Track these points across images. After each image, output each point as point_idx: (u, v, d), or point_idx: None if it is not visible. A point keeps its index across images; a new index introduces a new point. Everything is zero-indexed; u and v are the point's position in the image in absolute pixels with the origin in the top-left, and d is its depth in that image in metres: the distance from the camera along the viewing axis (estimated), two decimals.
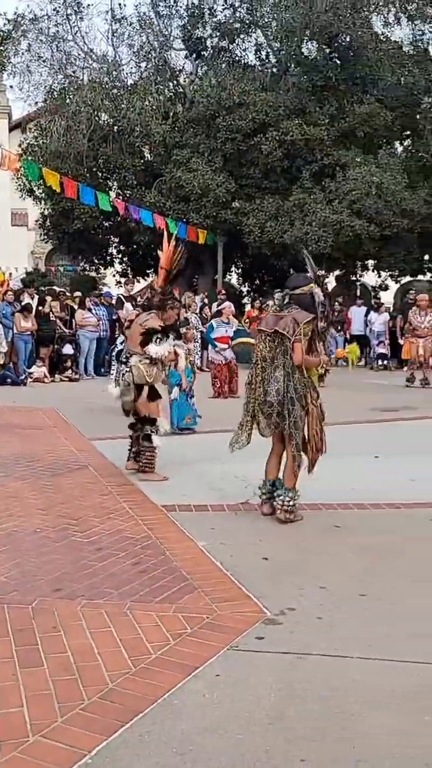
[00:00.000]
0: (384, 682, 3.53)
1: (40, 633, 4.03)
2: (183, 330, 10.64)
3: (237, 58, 25.37)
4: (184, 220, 22.22)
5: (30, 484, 7.23)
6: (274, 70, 24.75)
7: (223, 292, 22.14)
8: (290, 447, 6.06)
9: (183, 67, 26.12)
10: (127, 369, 7.53)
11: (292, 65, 24.07)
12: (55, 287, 22.30)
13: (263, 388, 6.10)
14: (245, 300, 28.08)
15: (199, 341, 18.18)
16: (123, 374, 7.56)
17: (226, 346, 14.07)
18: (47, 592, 4.59)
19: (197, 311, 19.28)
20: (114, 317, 17.82)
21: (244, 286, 29.76)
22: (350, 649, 3.86)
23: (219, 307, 16.26)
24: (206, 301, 20.52)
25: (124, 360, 7.69)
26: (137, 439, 7.56)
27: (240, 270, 29.26)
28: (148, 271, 30.25)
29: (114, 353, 12.83)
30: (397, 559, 5.31)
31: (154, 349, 7.32)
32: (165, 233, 8.15)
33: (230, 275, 30.01)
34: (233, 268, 29.40)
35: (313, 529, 5.95)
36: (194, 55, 25.45)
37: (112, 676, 3.58)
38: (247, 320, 20.74)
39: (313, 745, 3.03)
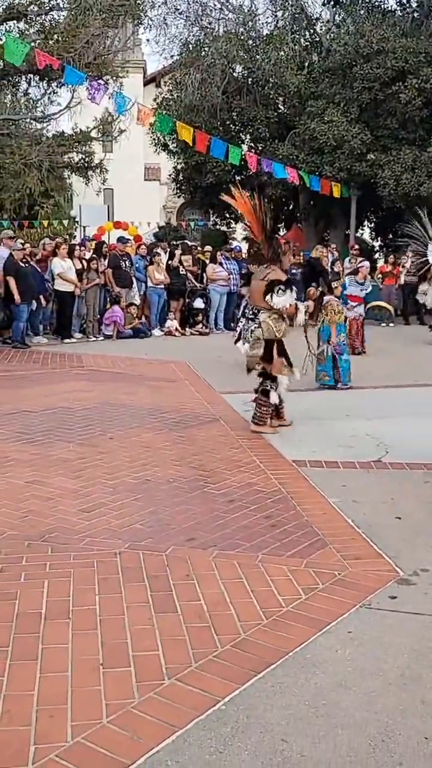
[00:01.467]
0: None
1: (174, 580, 4.12)
2: (334, 284, 10.52)
3: (376, 4, 24.42)
4: (317, 173, 21.78)
5: (163, 435, 7.37)
6: (416, 14, 23.65)
7: (356, 247, 21.67)
8: None
9: (320, 14, 25.39)
10: (256, 325, 7.49)
11: None
12: (186, 241, 22.44)
13: None
14: (377, 255, 27.43)
15: None
16: (251, 330, 7.53)
17: (356, 303, 13.86)
18: (181, 541, 4.68)
19: (328, 266, 18.97)
20: (244, 271, 17.78)
21: (377, 241, 29.05)
22: None
23: (357, 266, 15.97)
24: (337, 255, 20.14)
25: (250, 316, 7.64)
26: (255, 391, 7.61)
27: (372, 224, 28.54)
28: (279, 225, 29.99)
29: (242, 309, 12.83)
30: None
31: (277, 299, 7.29)
32: (233, 189, 8.00)
33: (362, 230, 29.34)
34: (365, 223, 28.71)
35: None
36: (332, 2, 24.66)
37: (245, 626, 3.62)
38: (380, 276, 20.30)
39: None
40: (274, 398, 7.51)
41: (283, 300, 7.31)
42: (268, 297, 7.32)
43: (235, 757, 2.72)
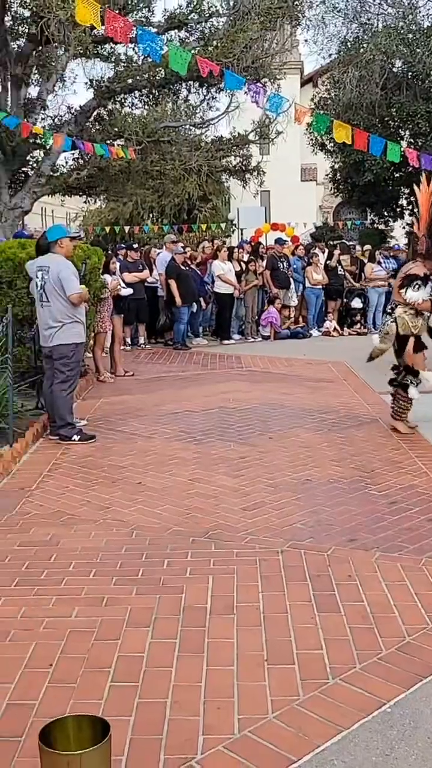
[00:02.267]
0: None
1: (337, 580, 4.12)
2: None
3: None
4: None
5: (322, 435, 7.35)
6: None
7: None
8: None
9: None
10: (392, 319, 7.37)
11: None
12: (344, 241, 22.23)
13: None
14: None
15: None
16: (385, 323, 7.48)
17: None
18: (342, 542, 4.66)
19: None
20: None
21: None
22: None
23: None
24: None
25: (389, 311, 7.56)
26: (396, 385, 7.47)
27: None
28: None
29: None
30: None
31: (411, 294, 7.13)
32: (423, 177, 7.77)
33: None
34: None
35: None
36: None
37: (409, 630, 3.57)
38: None
39: None
40: (413, 393, 7.35)
41: (417, 295, 7.15)
42: (402, 290, 7.19)
43: (403, 762, 2.69)
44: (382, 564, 4.31)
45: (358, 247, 20.19)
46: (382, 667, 3.27)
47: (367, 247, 19.34)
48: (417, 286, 7.17)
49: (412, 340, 7.34)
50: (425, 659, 3.31)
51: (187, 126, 24.90)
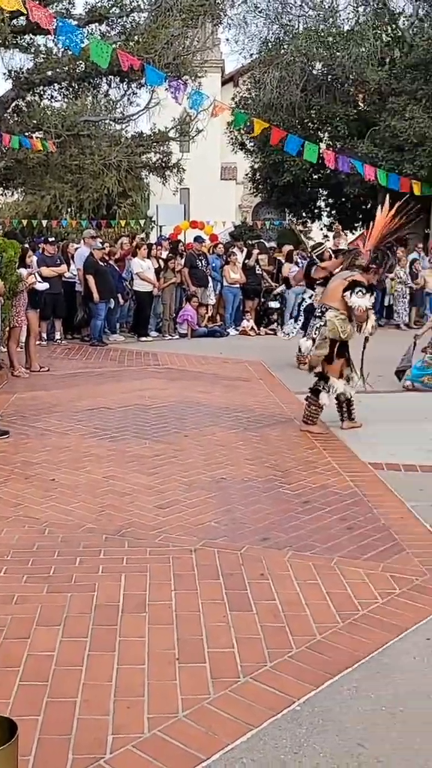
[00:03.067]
0: None
1: (249, 579, 4.13)
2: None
3: None
4: (397, 170, 21.48)
5: (238, 434, 7.38)
6: None
7: None
8: None
9: (403, 9, 25.03)
10: (322, 323, 7.43)
11: None
12: (263, 241, 22.41)
13: None
14: None
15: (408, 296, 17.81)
16: (317, 327, 7.50)
17: None
18: (255, 541, 4.68)
19: (406, 266, 18.71)
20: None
21: None
22: None
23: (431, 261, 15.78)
24: (423, 254, 19.84)
25: (319, 314, 7.60)
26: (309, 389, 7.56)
27: None
28: (356, 225, 29.68)
29: (303, 307, 12.68)
30: None
31: (355, 299, 7.23)
32: (387, 201, 7.93)
33: None
34: None
35: None
36: None
37: (320, 628, 3.60)
38: None
39: None
40: (324, 400, 7.43)
41: (360, 301, 7.24)
42: (347, 293, 7.26)
43: (311, 759, 2.71)
44: (295, 563, 4.34)
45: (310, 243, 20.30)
46: (292, 665, 3.29)
47: (289, 247, 19.49)
48: (361, 293, 7.26)
49: (337, 345, 7.40)
50: (335, 657, 3.35)
51: (107, 121, 24.70)
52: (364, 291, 7.27)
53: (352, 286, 7.27)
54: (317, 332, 7.49)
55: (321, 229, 27.86)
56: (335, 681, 3.17)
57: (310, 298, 11.70)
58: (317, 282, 10.88)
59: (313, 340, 7.53)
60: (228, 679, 3.18)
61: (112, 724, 2.87)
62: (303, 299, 12.38)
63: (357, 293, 7.24)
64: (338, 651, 3.40)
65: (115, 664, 3.28)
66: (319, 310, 7.61)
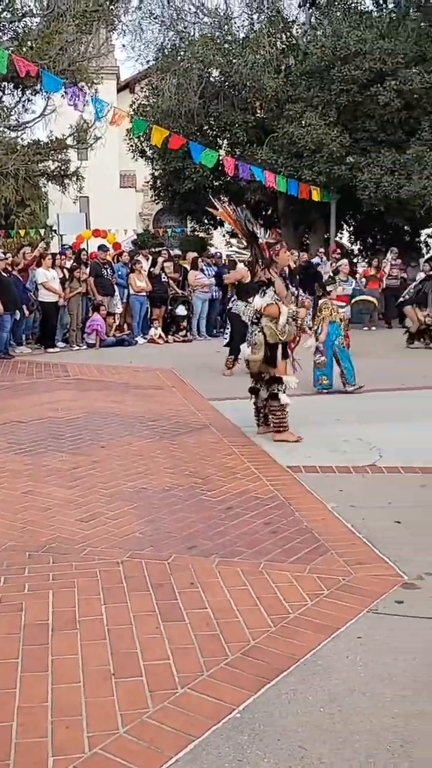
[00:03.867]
0: None
1: (179, 588, 4.12)
2: (329, 287, 10.56)
3: (353, 5, 24.53)
4: (296, 176, 21.86)
5: (155, 443, 7.36)
6: (393, 15, 23.79)
7: (338, 250, 21.78)
8: None
9: (296, 17, 25.50)
10: (258, 329, 7.42)
11: (412, 9, 23.09)
12: (168, 248, 22.42)
13: None
14: (357, 259, 27.55)
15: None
16: (253, 333, 7.47)
17: (344, 304, 13.97)
18: (181, 549, 4.68)
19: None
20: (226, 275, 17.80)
21: (356, 245, 29.18)
22: None
23: (337, 265, 16.08)
24: (324, 259, 20.24)
25: (255, 320, 7.59)
26: (264, 401, 7.54)
27: (352, 228, 28.68)
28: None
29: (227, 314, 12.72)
30: None
31: (257, 300, 7.29)
32: (214, 201, 8.05)
33: (341, 234, 29.46)
34: (345, 226, 28.83)
35: None
36: (308, 4, 24.79)
37: (253, 633, 3.62)
38: (363, 279, 20.37)
39: None
40: (284, 399, 7.44)
41: (261, 301, 7.30)
42: (251, 298, 7.34)
43: (254, 766, 2.72)
44: (223, 570, 4.36)
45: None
46: (229, 672, 3.30)
47: (193, 254, 19.57)
48: (263, 293, 7.30)
49: (280, 347, 7.41)
50: (270, 661, 3.37)
51: (2, 128, 24.24)
52: (266, 289, 7.32)
53: (258, 287, 7.34)
54: (254, 337, 7.50)
55: (223, 236, 28.06)
56: (273, 685, 3.20)
57: (232, 301, 11.72)
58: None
59: (254, 345, 7.52)
60: (166, 691, 3.16)
61: (52, 746, 2.81)
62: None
63: (261, 293, 7.32)
64: (273, 655, 3.43)
65: (50, 683, 3.22)
66: (255, 317, 7.57)
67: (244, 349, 7.63)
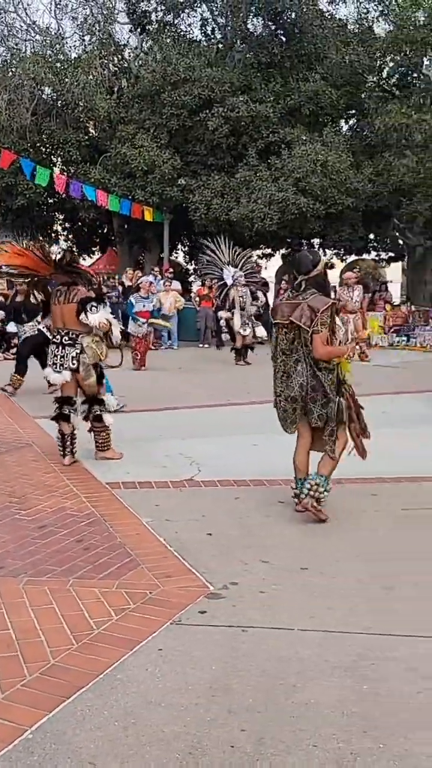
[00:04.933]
0: (324, 653, 3.59)
1: None
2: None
3: (182, 33, 25.11)
4: (130, 197, 22.00)
5: None
6: (220, 45, 24.56)
7: (171, 270, 22.04)
8: (325, 441, 5.55)
9: (128, 41, 25.78)
10: (78, 350, 7.19)
11: (238, 41, 23.91)
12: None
13: (286, 383, 5.59)
14: (192, 278, 28.00)
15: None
16: (72, 357, 7.18)
17: (144, 320, 14.80)
18: None
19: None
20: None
21: (191, 264, 29.67)
22: (292, 621, 3.91)
23: (137, 282, 16.80)
24: (159, 277, 20.42)
25: (68, 342, 7.25)
26: (91, 421, 7.38)
27: (186, 248, 29.16)
28: (93, 249, 29.97)
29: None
30: (338, 532, 5.38)
31: (92, 317, 7.06)
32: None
33: (176, 253, 29.86)
34: (180, 246, 29.26)
35: (257, 504, 5.97)
36: (139, 29, 25.12)
37: (54, 652, 3.56)
38: (197, 298, 20.71)
39: (256, 716, 3.07)
40: (108, 419, 7.33)
41: (97, 316, 7.10)
42: (82, 316, 7.04)
43: None
44: (30, 589, 4.27)
45: None
46: (26, 693, 3.22)
47: None
48: (93, 308, 7.11)
49: (98, 368, 7.27)
50: (69, 679, 3.32)
51: None
52: (96, 304, 7.15)
53: (83, 304, 7.11)
54: (74, 362, 7.13)
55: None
56: (69, 703, 3.15)
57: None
58: None
59: (72, 370, 7.15)
60: None
61: None
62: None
63: (91, 310, 7.07)
64: (72, 673, 3.38)
65: None
66: (68, 338, 7.19)
67: (52, 374, 7.32)
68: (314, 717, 3.06)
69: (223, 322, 17.36)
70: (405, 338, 21.03)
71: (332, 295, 5.52)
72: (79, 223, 27.14)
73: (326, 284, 5.72)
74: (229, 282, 16.59)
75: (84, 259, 27.72)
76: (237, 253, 16.13)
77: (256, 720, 3.03)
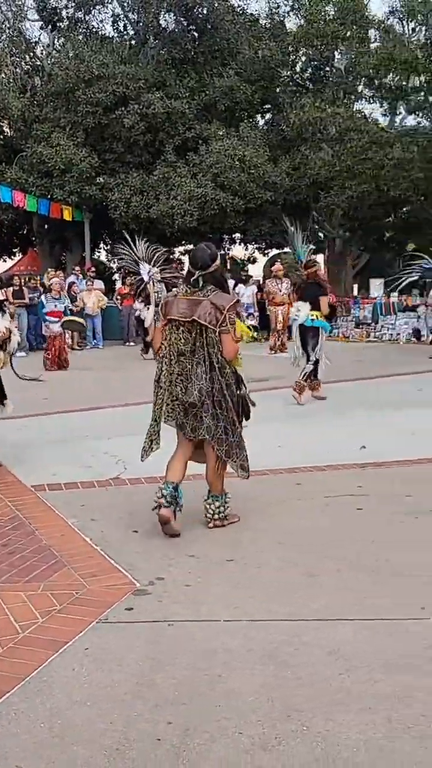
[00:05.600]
0: (248, 643, 3.64)
1: None
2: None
3: (94, 30, 24.94)
4: (48, 196, 21.76)
5: None
6: (133, 42, 24.47)
7: (93, 269, 21.91)
8: (215, 451, 5.26)
9: (39, 38, 25.47)
10: None
11: (151, 37, 23.86)
12: None
13: (181, 386, 5.23)
14: (115, 276, 27.87)
15: None
16: None
17: (57, 319, 14.95)
18: None
19: (66, 289, 19.01)
20: None
21: (114, 263, 29.52)
22: (217, 613, 3.96)
23: (49, 284, 16.87)
24: (80, 277, 20.24)
25: None
26: None
27: (108, 246, 29.00)
28: (14, 250, 29.57)
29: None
30: (263, 523, 5.45)
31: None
32: None
33: (99, 252, 29.68)
34: (102, 245, 29.09)
35: (184, 500, 5.98)
36: (50, 26, 24.83)
37: None
38: (118, 297, 20.64)
39: (181, 708, 3.10)
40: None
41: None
42: None
43: None
44: None
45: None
46: None
47: None
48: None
49: None
50: None
51: None
52: None
53: None
54: None
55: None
56: None
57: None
58: None
59: None
60: None
61: None
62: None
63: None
64: None
65: None
66: None
67: None
68: (238, 705, 3.11)
69: (137, 313, 17.31)
70: None
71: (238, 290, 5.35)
72: None
73: (224, 280, 5.52)
74: (146, 278, 16.58)
75: (4, 260, 27.35)
76: (153, 249, 16.12)
77: (181, 712, 3.07)
